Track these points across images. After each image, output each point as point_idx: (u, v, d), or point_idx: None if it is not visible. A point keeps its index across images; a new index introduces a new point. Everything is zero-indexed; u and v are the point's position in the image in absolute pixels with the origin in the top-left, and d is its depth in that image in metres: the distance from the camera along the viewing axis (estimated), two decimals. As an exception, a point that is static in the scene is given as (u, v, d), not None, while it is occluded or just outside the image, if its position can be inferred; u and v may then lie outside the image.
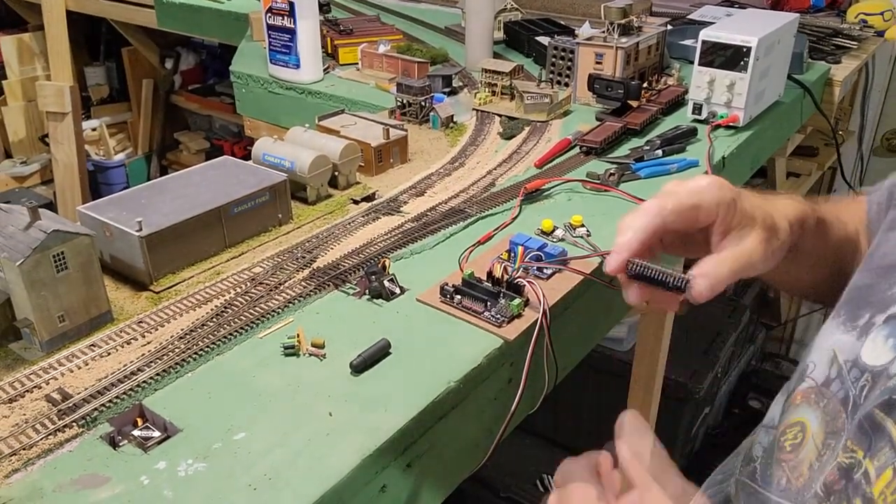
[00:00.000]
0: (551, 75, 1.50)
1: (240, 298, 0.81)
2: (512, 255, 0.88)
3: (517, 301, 0.77)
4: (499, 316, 0.77)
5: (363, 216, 1.01)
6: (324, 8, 1.81)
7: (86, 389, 0.68)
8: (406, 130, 1.23)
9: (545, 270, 0.85)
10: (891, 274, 0.57)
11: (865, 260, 0.63)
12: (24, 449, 0.62)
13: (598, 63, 1.41)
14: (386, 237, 0.94)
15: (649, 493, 0.52)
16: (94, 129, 3.47)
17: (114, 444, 0.63)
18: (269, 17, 1.58)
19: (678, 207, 0.60)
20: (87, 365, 0.72)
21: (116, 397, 0.67)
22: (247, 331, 0.77)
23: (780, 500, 0.59)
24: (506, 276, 0.80)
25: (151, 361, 0.71)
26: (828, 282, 0.74)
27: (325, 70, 1.66)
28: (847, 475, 0.52)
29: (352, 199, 1.09)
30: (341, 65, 1.73)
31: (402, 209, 1.03)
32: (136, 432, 0.64)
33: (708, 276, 0.59)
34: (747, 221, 0.61)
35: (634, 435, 0.54)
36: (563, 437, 2.10)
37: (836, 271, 0.73)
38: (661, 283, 0.60)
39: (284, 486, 0.59)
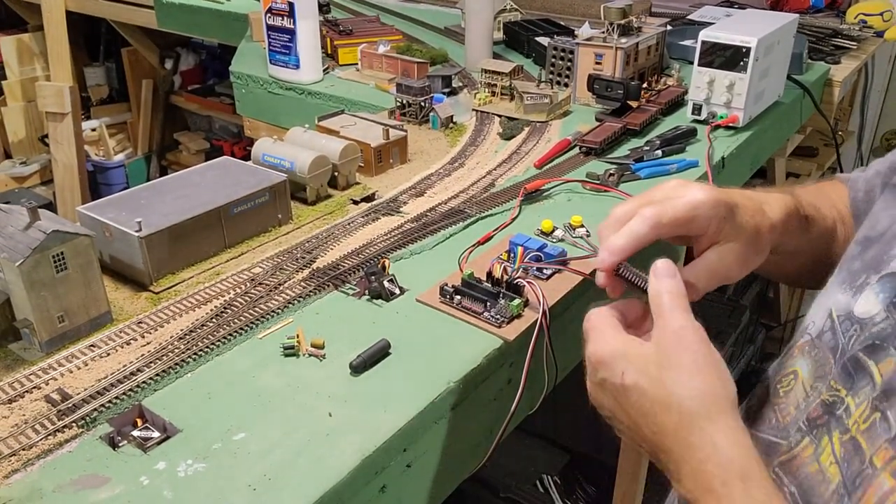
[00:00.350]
0: (551, 76, 1.50)
1: (239, 299, 0.81)
2: (511, 255, 0.88)
3: (517, 301, 0.77)
4: (498, 316, 0.77)
5: (363, 216, 1.01)
6: (323, 8, 1.81)
7: (85, 390, 0.68)
8: (406, 131, 1.23)
9: (545, 271, 0.85)
10: (892, 242, 0.61)
11: (876, 238, 0.64)
12: (23, 449, 0.61)
13: (597, 63, 1.41)
14: (386, 237, 0.94)
15: (661, 320, 0.58)
16: (93, 130, 3.47)
17: (113, 444, 0.63)
18: (269, 17, 1.58)
19: (674, 221, 0.62)
20: (86, 365, 0.72)
21: (116, 398, 0.67)
22: (246, 331, 0.77)
23: (766, 435, 0.63)
24: (505, 277, 0.80)
25: (151, 362, 0.71)
26: (808, 270, 0.78)
27: (324, 70, 1.66)
28: (830, 410, 0.57)
29: (351, 199, 1.09)
30: (341, 65, 1.73)
31: (401, 209, 1.03)
32: (135, 433, 0.64)
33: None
34: (734, 237, 0.63)
35: (664, 277, 0.59)
36: (563, 437, 2.10)
37: (819, 260, 0.77)
38: (642, 290, 0.63)
39: (284, 487, 0.59)
